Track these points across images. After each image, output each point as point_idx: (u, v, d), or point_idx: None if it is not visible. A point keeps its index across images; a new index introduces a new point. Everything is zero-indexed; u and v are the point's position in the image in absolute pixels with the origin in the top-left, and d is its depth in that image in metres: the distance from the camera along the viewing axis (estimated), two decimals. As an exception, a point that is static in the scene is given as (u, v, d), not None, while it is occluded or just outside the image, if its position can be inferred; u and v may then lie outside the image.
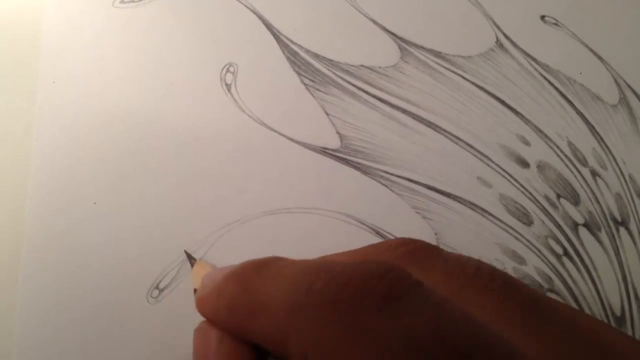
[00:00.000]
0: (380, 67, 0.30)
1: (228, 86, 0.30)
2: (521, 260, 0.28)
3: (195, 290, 0.18)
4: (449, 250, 0.28)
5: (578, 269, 0.28)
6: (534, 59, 0.30)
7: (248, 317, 0.14)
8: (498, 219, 0.28)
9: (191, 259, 0.26)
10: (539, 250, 0.28)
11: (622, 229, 0.28)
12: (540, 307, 0.14)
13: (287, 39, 0.30)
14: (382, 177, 0.29)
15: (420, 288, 0.13)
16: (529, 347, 0.13)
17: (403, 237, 0.17)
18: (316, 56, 0.30)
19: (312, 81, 0.30)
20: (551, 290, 0.27)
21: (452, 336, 0.12)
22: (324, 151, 0.29)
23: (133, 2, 0.31)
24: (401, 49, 0.30)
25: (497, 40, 0.30)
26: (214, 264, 0.21)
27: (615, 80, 0.30)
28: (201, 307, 0.16)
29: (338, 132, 0.29)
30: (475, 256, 0.27)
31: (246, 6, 0.31)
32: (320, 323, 0.12)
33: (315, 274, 0.13)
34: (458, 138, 0.29)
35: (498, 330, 0.12)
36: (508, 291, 0.15)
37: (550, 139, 0.29)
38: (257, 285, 0.15)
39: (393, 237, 0.28)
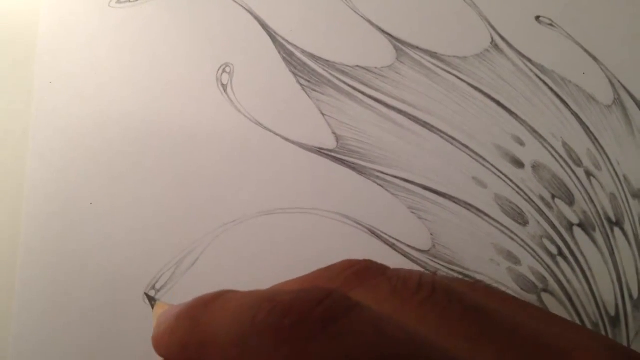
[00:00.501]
0: (376, 68, 0.30)
1: (224, 86, 0.30)
2: (516, 261, 0.28)
3: None
4: (444, 250, 0.28)
5: (573, 269, 0.28)
6: (529, 60, 0.30)
7: (199, 352, 0.15)
8: (493, 219, 0.28)
9: (151, 301, 0.27)
10: (534, 250, 0.28)
11: (616, 229, 0.28)
12: (483, 314, 0.15)
13: (283, 39, 0.31)
14: (377, 177, 0.29)
15: (358, 308, 0.13)
16: (471, 353, 0.13)
17: (350, 260, 0.18)
18: (312, 57, 0.30)
19: (308, 81, 0.30)
20: (546, 291, 0.27)
21: (389, 352, 0.12)
22: (319, 151, 0.29)
23: (129, 2, 0.31)
24: (397, 49, 0.30)
25: (493, 41, 0.30)
26: (172, 304, 0.21)
27: (610, 81, 0.30)
28: (156, 346, 0.17)
29: (334, 133, 0.29)
30: (471, 256, 0.28)
31: (242, 6, 0.31)
32: (263, 353, 0.13)
33: (258, 305, 0.14)
34: (453, 138, 0.29)
35: (439, 342, 0.13)
36: (450, 302, 0.15)
37: (545, 140, 0.29)
38: (206, 320, 0.15)
39: (389, 238, 0.28)
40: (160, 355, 0.16)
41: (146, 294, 0.27)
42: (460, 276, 0.28)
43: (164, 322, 0.16)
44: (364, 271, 0.17)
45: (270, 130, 0.29)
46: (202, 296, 0.16)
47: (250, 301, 0.14)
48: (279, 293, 0.14)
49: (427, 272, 0.16)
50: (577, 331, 0.15)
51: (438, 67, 0.30)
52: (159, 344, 0.16)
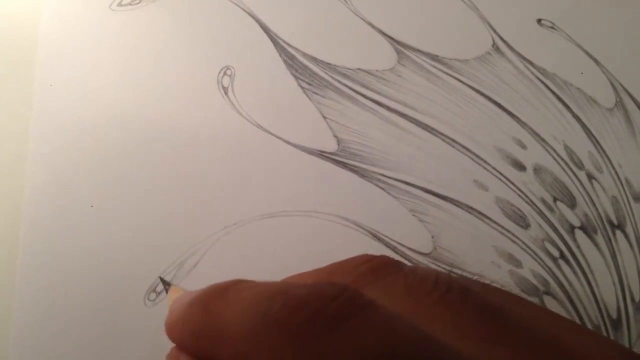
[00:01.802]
0: (377, 71, 0.30)
1: (225, 89, 0.30)
2: (517, 263, 0.28)
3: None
4: (445, 253, 0.28)
5: (574, 271, 0.28)
6: (531, 62, 0.30)
7: (211, 342, 0.15)
8: (494, 222, 0.28)
9: (166, 285, 0.27)
10: (536, 253, 0.28)
11: (618, 232, 0.28)
12: (498, 315, 0.14)
13: (285, 42, 0.31)
14: (379, 180, 0.29)
15: (371, 306, 0.13)
16: (484, 354, 0.13)
17: (366, 254, 0.17)
18: (313, 59, 0.30)
19: (310, 84, 0.30)
20: (547, 293, 0.27)
21: (401, 352, 0.12)
22: (321, 154, 0.29)
23: (130, 5, 0.31)
24: (398, 52, 0.30)
25: (494, 43, 0.30)
26: (185, 290, 0.21)
27: (612, 84, 0.30)
28: (169, 332, 0.17)
29: (335, 136, 0.29)
30: (472, 259, 0.28)
31: (244, 9, 0.31)
32: (275, 347, 0.13)
33: (271, 297, 0.13)
34: (455, 141, 0.29)
35: (452, 342, 0.13)
36: (464, 301, 0.15)
37: (546, 142, 0.29)
38: (218, 310, 0.15)
39: (390, 240, 0.28)
40: (174, 342, 0.16)
41: (160, 278, 0.27)
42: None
43: (177, 308, 0.16)
44: (379, 267, 0.17)
45: (271, 133, 0.29)
46: (216, 284, 0.16)
47: (264, 293, 0.14)
48: (293, 286, 0.14)
49: (444, 272, 0.16)
50: (594, 337, 0.15)
51: (439, 69, 0.30)
52: (172, 331, 0.16)
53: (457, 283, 0.15)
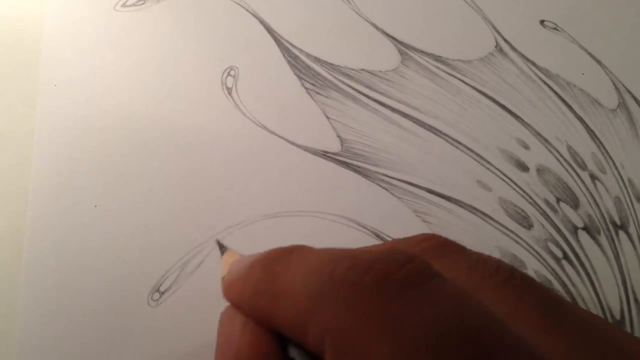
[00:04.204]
0: (380, 71, 0.30)
1: (229, 90, 0.30)
2: (521, 264, 0.28)
3: (223, 278, 0.18)
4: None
5: (578, 272, 0.28)
6: (534, 63, 0.30)
7: (271, 302, 0.15)
8: (498, 223, 0.28)
9: (222, 248, 0.27)
10: (539, 254, 0.28)
11: (621, 233, 0.28)
12: (557, 307, 0.14)
13: (288, 42, 0.31)
14: (382, 180, 0.29)
15: (440, 278, 0.13)
16: (543, 344, 0.13)
17: (427, 233, 0.17)
18: (317, 60, 0.30)
19: (313, 85, 0.30)
20: (551, 294, 0.27)
21: (467, 325, 0.12)
22: (324, 155, 0.29)
23: (134, 5, 0.31)
24: (401, 53, 0.30)
25: (497, 44, 0.30)
26: (242, 254, 0.21)
27: (615, 85, 0.30)
28: (228, 292, 0.17)
29: (339, 136, 0.29)
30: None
31: (247, 10, 0.31)
32: (338, 307, 0.12)
33: (338, 260, 0.13)
34: (458, 142, 0.29)
35: (512, 325, 0.12)
36: (526, 289, 0.15)
37: (549, 143, 0.29)
38: (280, 271, 0.15)
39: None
40: (231, 301, 0.16)
41: (217, 241, 0.27)
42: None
43: (237, 269, 0.16)
44: (442, 245, 0.17)
45: (275, 134, 0.29)
46: (277, 248, 0.16)
47: (329, 256, 0.14)
48: (359, 251, 0.14)
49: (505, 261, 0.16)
50: (634, 337, 0.15)
51: (443, 70, 0.30)
52: (231, 291, 0.16)
53: (519, 272, 0.15)
